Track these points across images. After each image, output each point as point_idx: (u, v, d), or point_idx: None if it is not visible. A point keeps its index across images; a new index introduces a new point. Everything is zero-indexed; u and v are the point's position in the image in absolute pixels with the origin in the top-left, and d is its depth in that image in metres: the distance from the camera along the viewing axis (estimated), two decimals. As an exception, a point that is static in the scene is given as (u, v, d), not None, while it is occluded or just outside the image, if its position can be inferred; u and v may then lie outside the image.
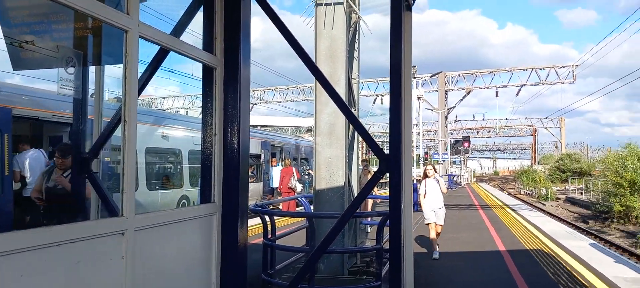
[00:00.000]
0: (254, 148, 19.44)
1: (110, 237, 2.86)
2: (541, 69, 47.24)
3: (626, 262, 9.61)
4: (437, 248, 9.81)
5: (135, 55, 3.04)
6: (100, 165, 4.00)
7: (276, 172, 19.32)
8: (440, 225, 9.98)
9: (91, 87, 4.02)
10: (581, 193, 38.60)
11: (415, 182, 17.50)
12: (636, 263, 12.00)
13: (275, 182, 19.17)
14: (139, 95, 3.23)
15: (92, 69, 4.02)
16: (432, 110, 50.94)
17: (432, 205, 9.89)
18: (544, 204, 35.78)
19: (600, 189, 27.94)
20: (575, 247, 10.66)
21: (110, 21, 2.89)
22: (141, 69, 3.31)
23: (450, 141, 57.73)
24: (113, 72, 3.91)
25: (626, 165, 24.26)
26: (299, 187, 17.36)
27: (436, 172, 10.39)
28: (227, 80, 3.95)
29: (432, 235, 9.89)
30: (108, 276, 2.84)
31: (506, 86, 48.68)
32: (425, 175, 10.23)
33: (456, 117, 69.27)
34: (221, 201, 3.91)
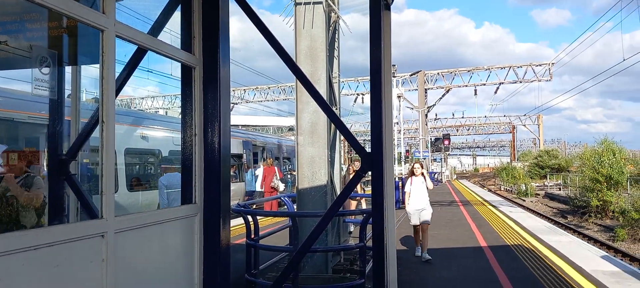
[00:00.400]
0: (235, 148, 19.33)
1: (90, 239, 2.80)
2: (519, 67, 48.06)
3: (604, 256, 9.80)
4: (421, 247, 9.47)
5: (112, 55, 2.99)
6: (79, 167, 3.93)
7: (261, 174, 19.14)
8: (427, 223, 9.44)
9: (67, 88, 3.95)
10: (559, 189, 39.22)
11: (397, 179, 17.58)
12: (614, 256, 12.25)
13: (258, 185, 19.00)
14: (116, 95, 3.17)
15: (68, 69, 3.94)
16: (412, 108, 51.41)
17: (417, 206, 9.48)
18: (524, 200, 36.29)
19: (578, 185, 28.37)
20: (555, 241, 10.85)
21: (85, 20, 2.84)
22: (118, 68, 3.26)
23: (431, 139, 58.30)
24: (90, 72, 3.84)
25: (602, 161, 24.67)
26: (281, 186, 17.33)
27: (423, 169, 9.88)
28: (206, 80, 3.90)
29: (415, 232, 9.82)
30: (88, 279, 2.79)
31: (485, 84, 49.43)
32: (412, 173, 9.80)
33: (436, 115, 70.20)
34: (203, 202, 3.87)
